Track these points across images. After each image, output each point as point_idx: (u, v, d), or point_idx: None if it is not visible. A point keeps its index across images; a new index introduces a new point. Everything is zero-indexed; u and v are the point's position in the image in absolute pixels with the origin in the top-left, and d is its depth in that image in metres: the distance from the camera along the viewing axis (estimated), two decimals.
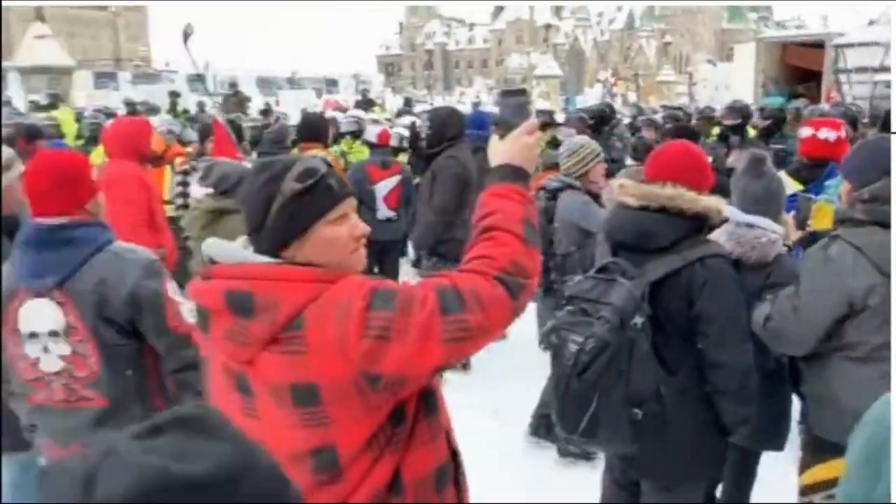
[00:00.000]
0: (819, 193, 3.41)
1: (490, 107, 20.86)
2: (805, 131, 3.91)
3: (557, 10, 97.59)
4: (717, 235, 2.49)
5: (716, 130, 7.65)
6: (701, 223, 2.22)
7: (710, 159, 5.42)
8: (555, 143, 6.49)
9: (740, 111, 5.94)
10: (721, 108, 7.97)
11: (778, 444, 2.74)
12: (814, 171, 3.73)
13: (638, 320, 2.08)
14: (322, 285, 1.33)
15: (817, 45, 18.76)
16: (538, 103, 9.97)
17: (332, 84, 35.09)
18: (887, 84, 16.11)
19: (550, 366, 2.24)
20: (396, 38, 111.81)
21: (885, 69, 16.37)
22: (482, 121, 5.87)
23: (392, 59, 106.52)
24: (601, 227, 2.57)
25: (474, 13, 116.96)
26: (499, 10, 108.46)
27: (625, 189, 2.25)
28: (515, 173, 1.48)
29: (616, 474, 2.50)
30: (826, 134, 3.81)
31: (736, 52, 28.17)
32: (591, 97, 27.99)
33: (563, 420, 2.20)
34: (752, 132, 6.66)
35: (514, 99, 1.58)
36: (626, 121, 12.75)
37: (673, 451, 2.19)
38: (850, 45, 17.33)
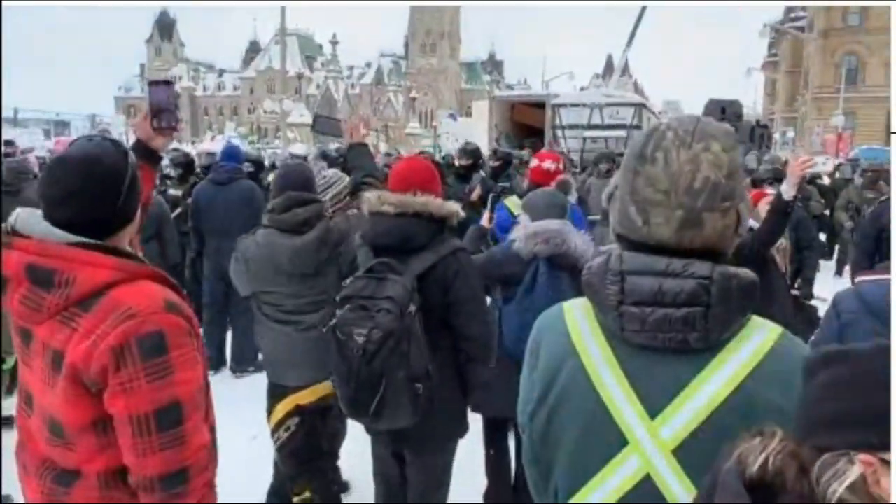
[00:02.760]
0: None
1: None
2: (533, 162, 4.80)
3: (309, 62, 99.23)
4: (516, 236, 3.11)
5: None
6: (443, 224, 2.66)
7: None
8: None
9: (472, 153, 6.81)
10: (455, 151, 8.90)
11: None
12: None
13: (412, 309, 2.43)
14: (119, 274, 1.41)
15: (540, 105, 21.34)
16: (296, 147, 10.26)
17: (62, 125, 32.17)
18: (594, 139, 18.91)
19: (335, 361, 2.50)
20: (137, 80, 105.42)
21: (592, 127, 19.19)
22: (238, 154, 6.07)
23: (133, 101, 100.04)
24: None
25: (223, 59, 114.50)
26: (250, 57, 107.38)
27: (383, 199, 2.62)
28: None
29: (381, 449, 2.83)
30: (548, 165, 4.76)
31: (473, 109, 30.90)
32: (344, 145, 28.74)
33: (354, 406, 2.49)
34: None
35: (161, 87, 1.83)
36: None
37: (433, 419, 2.56)
38: (564, 106, 19.99)
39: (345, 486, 3.81)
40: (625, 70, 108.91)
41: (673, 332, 1.06)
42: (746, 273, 1.08)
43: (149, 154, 1.84)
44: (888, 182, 8.50)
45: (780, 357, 1.09)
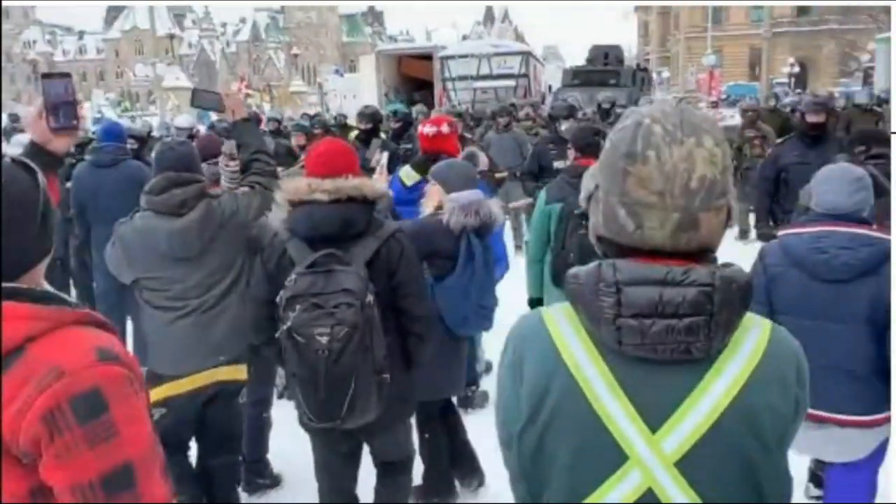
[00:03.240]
0: None
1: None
2: (425, 128, 4.52)
3: (179, 20, 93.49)
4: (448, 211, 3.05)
5: (353, 134, 8.30)
6: (373, 206, 2.54)
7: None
8: None
9: (371, 116, 6.56)
10: (356, 115, 8.62)
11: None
12: (431, 162, 4.39)
13: (370, 298, 2.32)
14: (38, 325, 1.17)
15: (427, 57, 21.10)
16: (181, 119, 9.56)
17: None
18: (484, 90, 18.94)
19: (294, 368, 2.34)
20: None
21: (481, 77, 19.20)
22: (120, 132, 5.59)
23: None
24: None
25: (82, 20, 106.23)
26: (112, 17, 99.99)
27: (314, 186, 2.43)
28: None
29: (331, 444, 2.69)
30: (428, 129, 4.53)
31: (360, 64, 30.20)
32: None
33: (325, 412, 2.35)
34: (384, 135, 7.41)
35: (57, 80, 1.60)
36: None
37: (388, 402, 2.47)
38: (452, 58, 19.86)
39: (277, 480, 3.68)
40: (505, 17, 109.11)
41: (675, 343, 1.00)
42: (741, 273, 1.04)
43: (49, 160, 1.56)
44: (765, 120, 8.95)
45: (775, 357, 1.06)
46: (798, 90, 32.84)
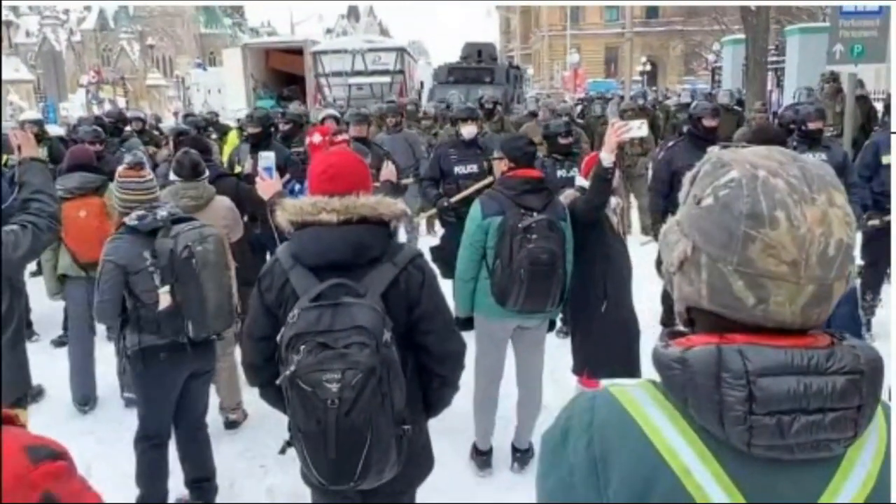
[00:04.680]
0: None
1: None
2: (312, 137, 4.37)
3: (13, 8, 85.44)
4: None
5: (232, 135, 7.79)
6: (389, 227, 2.20)
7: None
8: None
9: (261, 120, 6.11)
10: (244, 119, 8.05)
11: None
12: None
13: (387, 336, 1.98)
14: None
15: (297, 52, 20.44)
16: (28, 114, 8.64)
17: None
18: (359, 86, 18.59)
19: (298, 421, 1.97)
20: None
21: (356, 73, 18.81)
22: None
23: None
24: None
25: None
26: None
27: (320, 205, 2.08)
28: None
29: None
30: (318, 138, 4.33)
31: (224, 57, 28.83)
32: (75, 103, 25.45)
33: (336, 474, 1.98)
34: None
35: None
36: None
37: (408, 458, 2.13)
38: (326, 53, 19.35)
39: None
40: (370, 11, 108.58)
41: (816, 442, 0.84)
42: (875, 350, 0.88)
43: None
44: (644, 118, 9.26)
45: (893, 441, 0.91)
46: (652, 87, 34.87)
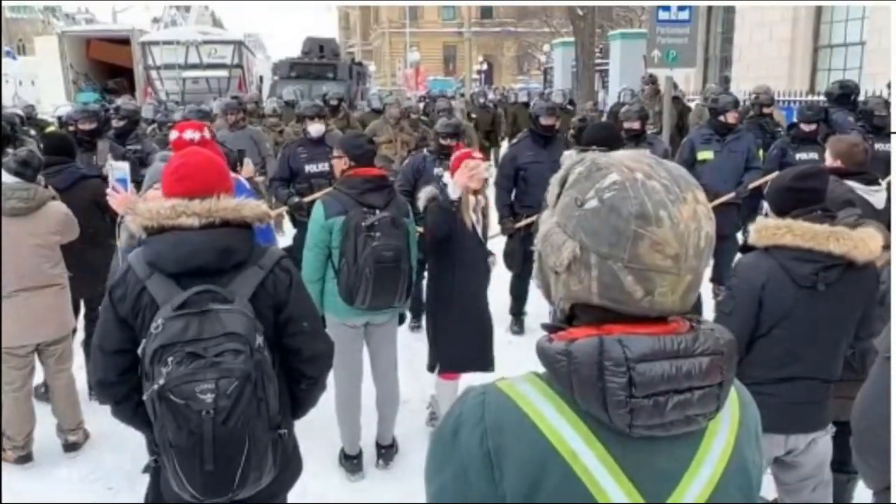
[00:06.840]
0: None
1: None
2: (173, 134, 3.96)
3: None
4: None
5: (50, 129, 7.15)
6: (252, 229, 2.15)
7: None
8: None
9: (94, 115, 5.70)
10: (72, 113, 7.36)
11: None
12: None
13: (260, 341, 1.94)
14: None
15: (123, 41, 19.13)
16: None
17: None
18: (195, 80, 17.69)
19: (170, 436, 1.87)
20: None
21: (190, 66, 17.88)
22: None
23: None
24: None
25: None
26: None
27: (180, 209, 1.98)
28: None
29: None
30: (191, 135, 3.97)
31: (38, 46, 26.30)
32: None
33: (213, 486, 1.90)
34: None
35: None
36: None
37: (283, 462, 2.11)
38: (156, 44, 18.23)
39: None
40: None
41: (686, 417, 0.93)
42: (729, 332, 1.00)
43: None
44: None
45: (745, 409, 1.05)
46: (489, 86, 36.11)
